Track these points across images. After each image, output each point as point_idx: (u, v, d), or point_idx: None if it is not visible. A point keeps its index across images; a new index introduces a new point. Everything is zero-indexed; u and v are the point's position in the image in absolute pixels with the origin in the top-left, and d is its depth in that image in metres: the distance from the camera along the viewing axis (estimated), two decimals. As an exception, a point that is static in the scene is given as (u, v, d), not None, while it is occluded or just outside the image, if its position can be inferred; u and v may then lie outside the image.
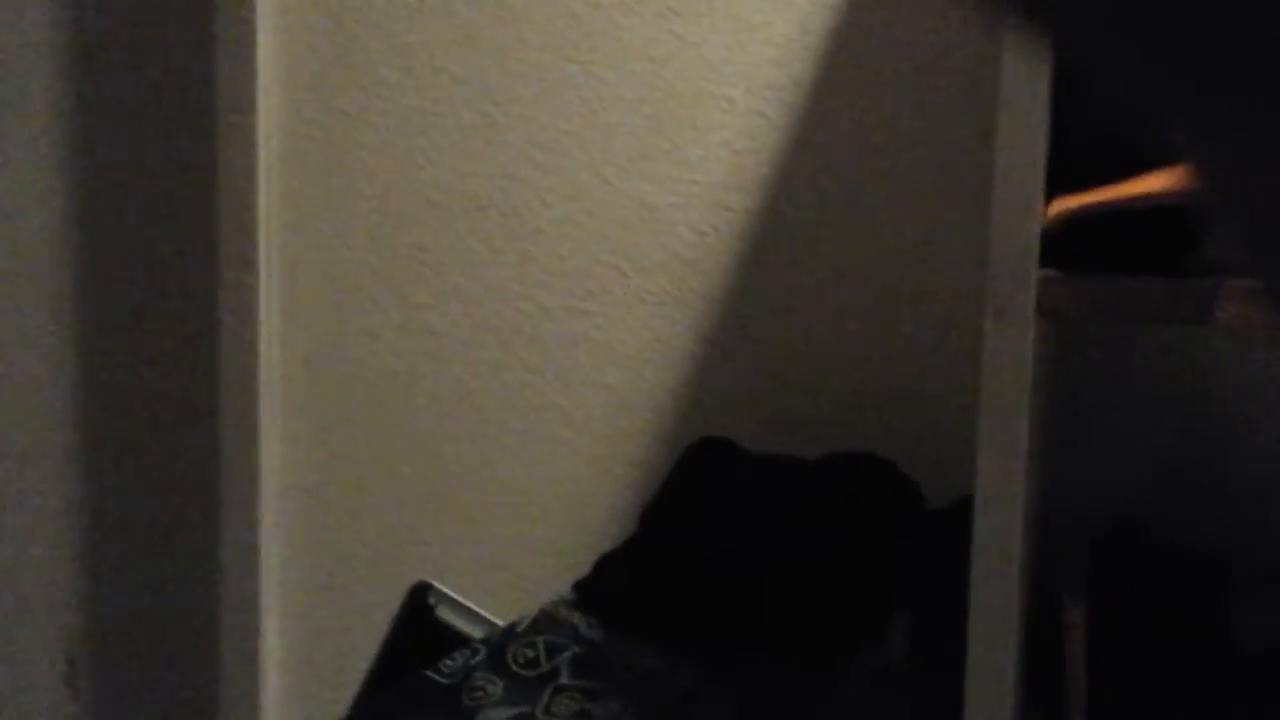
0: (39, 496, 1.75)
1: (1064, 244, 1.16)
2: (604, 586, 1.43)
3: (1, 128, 1.70)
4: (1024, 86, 1.14)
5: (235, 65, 1.59)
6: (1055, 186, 1.16)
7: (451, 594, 1.63)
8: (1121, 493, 1.45)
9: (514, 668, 1.34)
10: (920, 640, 1.26)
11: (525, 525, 1.64)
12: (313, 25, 1.61)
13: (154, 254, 1.69)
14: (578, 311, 1.61)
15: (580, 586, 1.45)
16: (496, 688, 1.32)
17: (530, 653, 1.35)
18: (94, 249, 1.70)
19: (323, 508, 1.68)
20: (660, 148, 1.57)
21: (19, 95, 1.69)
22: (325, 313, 1.64)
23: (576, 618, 1.40)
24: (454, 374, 1.63)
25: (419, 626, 1.61)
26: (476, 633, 1.55)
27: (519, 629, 1.39)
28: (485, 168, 1.61)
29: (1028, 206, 1.14)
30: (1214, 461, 1.45)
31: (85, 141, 1.69)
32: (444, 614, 1.61)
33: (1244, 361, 1.44)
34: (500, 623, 1.52)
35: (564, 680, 1.32)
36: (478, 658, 1.36)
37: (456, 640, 1.52)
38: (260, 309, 1.62)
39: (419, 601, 1.62)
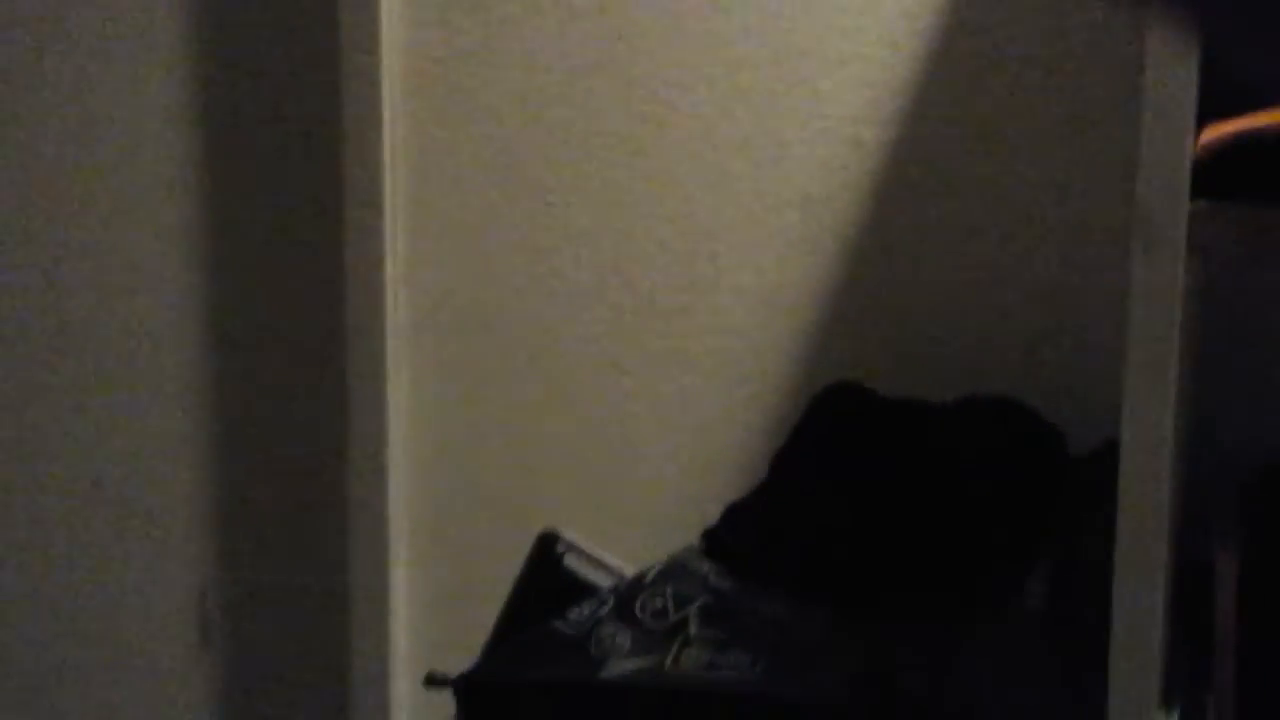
0: (167, 447, 1.76)
1: (1217, 173, 1.09)
2: (734, 535, 1.40)
3: (131, 82, 1.69)
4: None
5: (358, 3, 1.57)
6: (1207, 113, 1.10)
7: (579, 542, 1.60)
8: (1277, 434, 1.39)
9: (642, 618, 1.31)
10: (1062, 588, 1.21)
11: (654, 472, 1.61)
12: (434, -36, 1.58)
13: (279, 197, 1.68)
14: (705, 254, 1.57)
15: (709, 535, 1.41)
16: (624, 638, 1.30)
17: (658, 603, 1.32)
18: (220, 187, 1.69)
19: (450, 456, 1.66)
20: (790, 81, 1.52)
21: (146, 47, 1.68)
22: (451, 256, 1.62)
23: (706, 567, 1.36)
24: (580, 319, 1.60)
25: (547, 575, 1.58)
26: (604, 582, 1.52)
27: (647, 579, 1.36)
28: (610, 105, 1.57)
29: (1178, 134, 1.08)
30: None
31: (212, 84, 1.68)
32: (571, 563, 1.58)
33: None
34: (629, 572, 1.49)
35: (692, 631, 1.29)
36: (605, 608, 1.33)
37: (584, 589, 1.50)
38: (386, 252, 1.60)
39: (547, 550, 1.60)
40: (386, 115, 1.59)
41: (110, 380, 1.75)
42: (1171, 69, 1.08)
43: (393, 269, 1.61)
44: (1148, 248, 1.07)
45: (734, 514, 1.43)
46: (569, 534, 1.62)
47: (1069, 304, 1.46)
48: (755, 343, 1.56)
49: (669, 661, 1.26)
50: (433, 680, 1.33)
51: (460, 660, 1.64)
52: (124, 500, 1.77)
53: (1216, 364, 1.37)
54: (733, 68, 1.53)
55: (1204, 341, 1.28)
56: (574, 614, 1.34)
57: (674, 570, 1.37)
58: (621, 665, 1.27)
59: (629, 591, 1.35)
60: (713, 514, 1.47)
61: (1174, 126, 1.08)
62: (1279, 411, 1.40)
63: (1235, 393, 1.39)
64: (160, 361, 1.74)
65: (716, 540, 1.41)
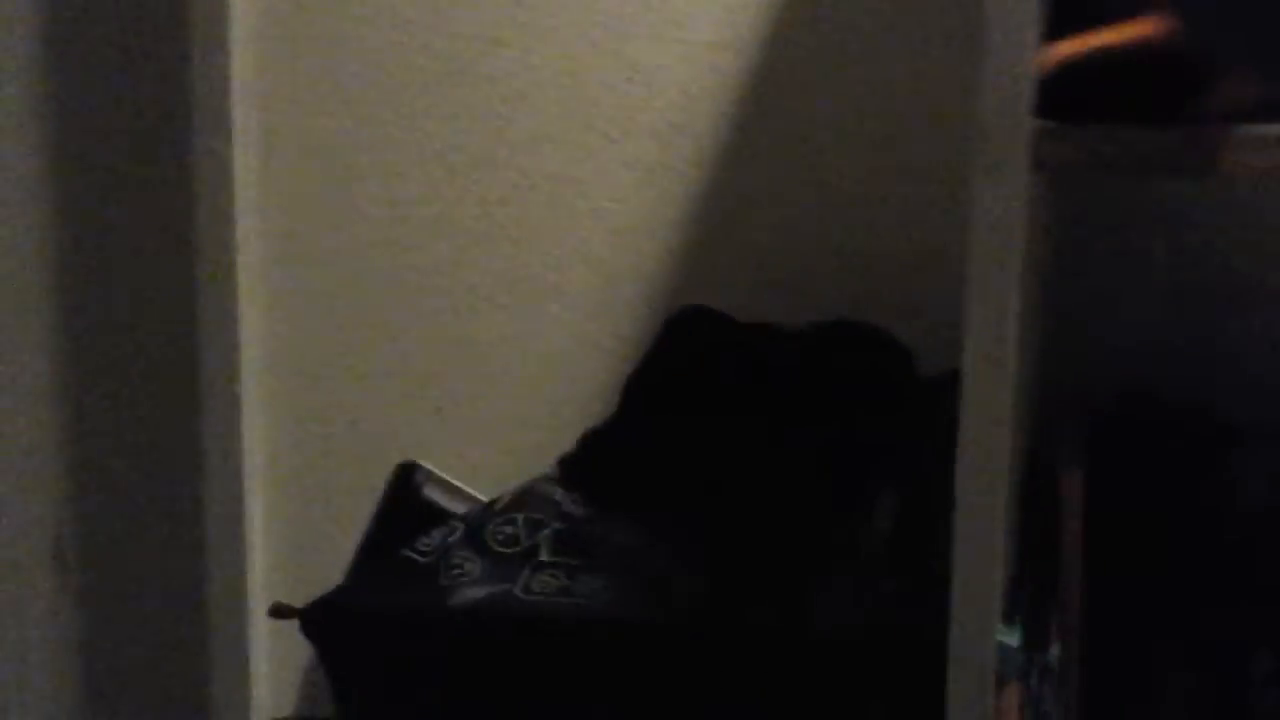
0: (17, 380, 1.72)
1: (1059, 93, 1.09)
2: (587, 462, 1.39)
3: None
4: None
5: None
6: (1049, 33, 1.10)
7: (438, 473, 1.59)
8: (1125, 357, 1.40)
9: (493, 545, 1.30)
10: (908, 516, 1.21)
11: (513, 401, 1.59)
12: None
13: (125, 123, 1.64)
14: (563, 180, 1.55)
15: (564, 463, 1.40)
16: (475, 565, 1.28)
17: (509, 530, 1.31)
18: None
19: (307, 387, 1.63)
20: (648, 4, 1.51)
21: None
22: (306, 188, 1.59)
23: (559, 494, 1.35)
24: (438, 247, 1.58)
25: (406, 506, 1.57)
26: (464, 511, 1.51)
27: (498, 506, 1.35)
28: (467, 29, 1.54)
29: (1020, 53, 1.07)
30: (1220, 319, 1.39)
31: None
32: (431, 493, 1.57)
33: (1251, 215, 1.38)
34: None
35: (543, 557, 1.28)
36: (455, 535, 1.32)
37: (444, 519, 1.48)
38: (237, 181, 1.57)
39: (406, 481, 1.58)
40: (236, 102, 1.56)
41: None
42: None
43: (244, 196, 1.58)
44: (989, 169, 1.07)
45: (589, 441, 1.42)
46: (428, 464, 1.60)
47: (927, 225, 1.46)
48: (613, 270, 1.54)
49: (519, 588, 1.25)
50: (278, 612, 1.31)
51: (319, 590, 1.62)
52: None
53: (1066, 290, 1.38)
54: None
55: (1052, 266, 1.29)
56: (425, 542, 1.33)
57: (526, 497, 1.35)
58: (471, 592, 1.25)
59: (480, 518, 1.33)
60: (572, 442, 1.46)
61: (1015, 44, 1.07)
62: (1132, 334, 1.41)
63: (1090, 315, 1.40)
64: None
65: (571, 467, 1.40)
